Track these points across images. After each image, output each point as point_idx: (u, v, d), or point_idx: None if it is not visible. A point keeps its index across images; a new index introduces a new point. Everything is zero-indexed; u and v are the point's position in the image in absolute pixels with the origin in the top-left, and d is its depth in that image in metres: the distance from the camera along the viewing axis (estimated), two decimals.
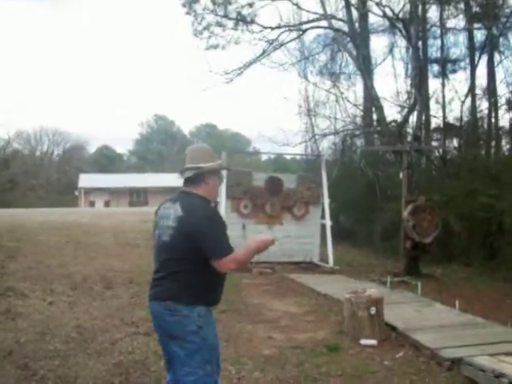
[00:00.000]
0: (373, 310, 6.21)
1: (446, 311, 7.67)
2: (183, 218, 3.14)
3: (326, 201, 12.93)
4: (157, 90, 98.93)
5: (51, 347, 5.62)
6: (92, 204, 47.80)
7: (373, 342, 6.06)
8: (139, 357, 5.43)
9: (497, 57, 17.44)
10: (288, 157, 31.92)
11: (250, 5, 15.05)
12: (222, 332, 6.06)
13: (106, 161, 60.83)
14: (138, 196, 50.53)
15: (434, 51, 18.98)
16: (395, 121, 14.15)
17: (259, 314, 7.55)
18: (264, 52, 15.28)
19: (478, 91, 17.71)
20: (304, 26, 15.60)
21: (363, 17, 16.88)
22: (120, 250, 12.56)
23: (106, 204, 48.11)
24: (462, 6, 16.77)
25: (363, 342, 6.06)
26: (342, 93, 19.65)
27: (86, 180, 47.94)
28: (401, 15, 14.44)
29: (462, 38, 20.66)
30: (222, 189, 12.00)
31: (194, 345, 3.14)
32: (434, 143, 18.50)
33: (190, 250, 3.12)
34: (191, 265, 3.14)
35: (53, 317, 6.82)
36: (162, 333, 3.27)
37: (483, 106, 17.75)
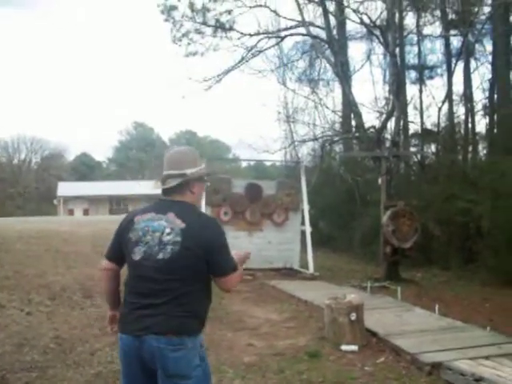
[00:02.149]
0: (353, 316, 6.22)
1: (426, 315, 7.71)
2: (190, 232, 2.67)
3: (306, 207, 12.95)
4: (136, 97, 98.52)
5: (29, 358, 5.54)
6: (71, 212, 47.42)
7: (354, 347, 6.07)
8: (119, 367, 5.36)
9: (473, 63, 17.71)
10: (268, 163, 31.99)
11: (229, 12, 15.09)
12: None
13: (85, 169, 60.41)
14: (117, 204, 50.18)
15: (411, 58, 19.22)
16: (374, 127, 14.26)
17: (240, 322, 7.52)
18: (243, 59, 15.34)
19: (455, 97, 17.95)
20: (282, 33, 15.69)
21: (341, 24, 17.01)
22: (100, 259, 12.36)
23: (85, 212, 47.76)
24: (438, 13, 17.01)
25: (344, 347, 6.07)
26: (320, 99, 19.83)
27: (65, 188, 47.53)
28: (378, 22, 14.63)
29: (439, 44, 21.00)
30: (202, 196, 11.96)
31: (196, 380, 2.69)
32: (412, 149, 18.65)
33: (197, 268, 2.69)
34: (197, 284, 2.73)
35: (30, 327, 6.72)
36: (162, 372, 2.66)
37: (460, 111, 18.00)
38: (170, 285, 2.65)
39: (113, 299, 3.01)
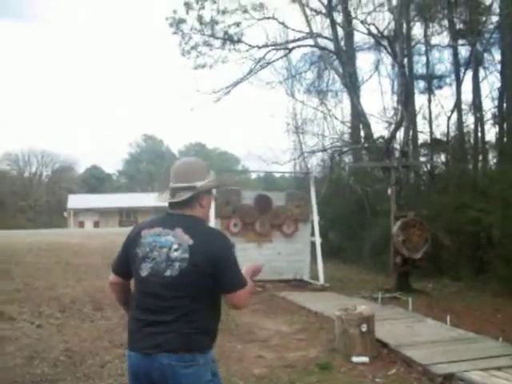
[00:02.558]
0: (364, 327, 6.18)
1: (438, 326, 7.66)
2: (198, 248, 2.59)
3: (316, 218, 12.92)
4: (146, 110, 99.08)
5: (39, 371, 5.54)
6: (81, 225, 47.58)
7: (364, 359, 6.03)
8: None
9: (481, 72, 17.67)
10: (277, 175, 32.02)
11: (237, 24, 15.19)
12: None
13: (95, 181, 60.70)
14: (127, 216, 50.31)
15: (419, 68, 19.20)
16: (383, 137, 14.24)
17: (250, 333, 7.50)
18: (251, 71, 15.41)
19: (464, 106, 17.89)
20: (290, 45, 15.75)
21: (349, 35, 17.03)
22: (109, 271, 12.44)
23: (96, 224, 47.90)
24: (445, 23, 17.00)
25: (355, 359, 6.03)
26: (329, 110, 19.86)
27: (75, 201, 47.77)
28: (386, 33, 14.66)
29: (447, 54, 20.90)
30: (211, 208, 11.98)
31: None
32: (422, 158, 18.60)
33: (205, 285, 2.61)
34: (206, 301, 2.65)
35: (41, 340, 6.74)
36: None
37: (469, 120, 17.94)
38: (178, 302, 2.58)
39: (128, 306, 2.92)
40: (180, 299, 2.58)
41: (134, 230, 2.83)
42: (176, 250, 2.61)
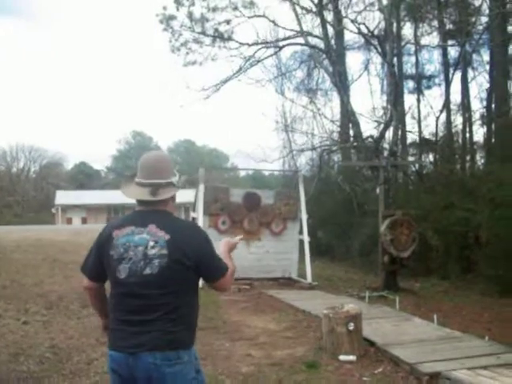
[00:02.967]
0: (351, 326, 6.18)
1: (425, 325, 7.68)
2: (176, 243, 2.55)
3: (304, 216, 12.93)
4: (135, 106, 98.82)
5: (25, 368, 5.49)
6: (69, 221, 47.34)
7: (352, 357, 6.03)
8: None
9: (470, 73, 17.80)
10: (266, 173, 32.03)
11: (227, 22, 15.19)
12: (201, 350, 5.97)
13: (84, 177, 60.38)
14: (115, 212, 50.05)
15: (408, 68, 19.35)
16: (372, 136, 14.28)
17: (238, 331, 7.48)
18: (241, 68, 15.43)
19: (453, 106, 18.03)
20: (281, 43, 15.79)
21: (339, 34, 17.08)
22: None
23: (84, 221, 47.66)
24: (435, 23, 17.10)
25: (342, 357, 6.03)
26: (318, 109, 19.92)
27: (63, 197, 47.50)
28: (376, 32, 14.71)
29: (436, 54, 21.03)
30: (200, 205, 11.96)
31: None
32: (411, 158, 18.71)
33: (188, 279, 2.60)
34: (187, 296, 2.63)
35: (27, 337, 6.69)
36: None
37: (458, 121, 18.08)
38: (162, 299, 2.54)
39: (104, 312, 2.86)
40: (163, 296, 2.54)
41: (103, 233, 2.73)
42: (153, 247, 2.55)
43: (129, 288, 2.57)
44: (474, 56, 17.70)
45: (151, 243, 2.56)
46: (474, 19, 15.75)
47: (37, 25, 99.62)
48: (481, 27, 16.15)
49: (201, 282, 2.73)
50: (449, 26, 17.00)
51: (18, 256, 13.03)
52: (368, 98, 30.28)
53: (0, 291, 9.12)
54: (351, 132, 15.97)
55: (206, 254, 2.65)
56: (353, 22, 14.37)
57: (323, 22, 15.25)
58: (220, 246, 2.91)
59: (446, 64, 17.94)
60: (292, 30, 15.30)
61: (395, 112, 13.37)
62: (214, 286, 2.76)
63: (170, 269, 2.53)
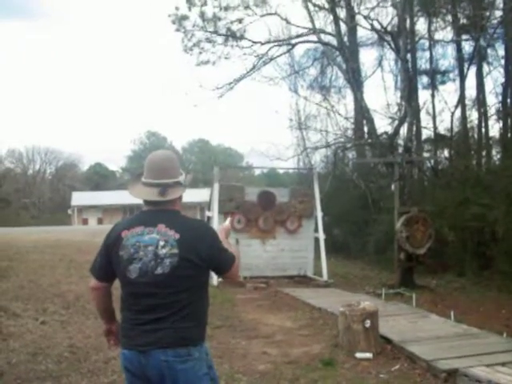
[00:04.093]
0: (368, 323, 6.17)
1: (441, 322, 7.64)
2: (186, 242, 2.57)
3: (319, 214, 12.92)
4: (149, 107, 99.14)
5: (43, 367, 5.54)
6: (85, 222, 47.70)
7: (368, 355, 6.02)
8: None
9: (485, 68, 17.61)
10: (281, 171, 31.99)
11: (240, 20, 15.17)
12: (217, 348, 6.03)
13: (99, 178, 60.74)
14: (131, 213, 50.28)
15: (422, 63, 19.14)
16: (386, 133, 14.22)
17: (254, 330, 7.50)
18: (254, 67, 15.42)
19: (468, 102, 17.83)
20: (293, 41, 15.76)
21: (352, 30, 16.98)
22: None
23: (100, 221, 47.96)
24: (449, 18, 16.93)
25: (358, 355, 6.02)
26: (332, 106, 19.80)
27: (79, 198, 47.85)
28: (389, 28, 14.64)
29: (451, 49, 20.91)
30: (215, 204, 11.99)
31: None
32: (426, 154, 18.55)
33: (199, 277, 2.64)
34: (198, 293, 2.66)
35: (45, 336, 6.74)
36: None
37: (473, 116, 17.87)
38: (174, 297, 2.57)
39: (108, 315, 2.92)
40: (174, 295, 2.57)
41: (111, 233, 2.74)
42: (163, 246, 2.57)
43: (140, 288, 2.59)
44: (489, 50, 17.50)
45: (161, 243, 2.58)
46: (488, 13, 15.58)
47: (50, 25, 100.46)
48: (495, 21, 15.98)
49: (216, 280, 2.76)
50: (463, 21, 16.83)
51: (35, 257, 13.14)
52: (382, 94, 30.28)
53: (18, 291, 9.20)
54: (365, 129, 15.90)
55: (217, 249, 2.68)
56: (366, 18, 14.31)
57: (336, 19, 15.21)
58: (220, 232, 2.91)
59: (460, 59, 17.77)
60: (304, 27, 15.30)
61: (409, 108, 13.30)
62: (225, 276, 2.82)
63: (181, 267, 2.55)
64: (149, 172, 2.74)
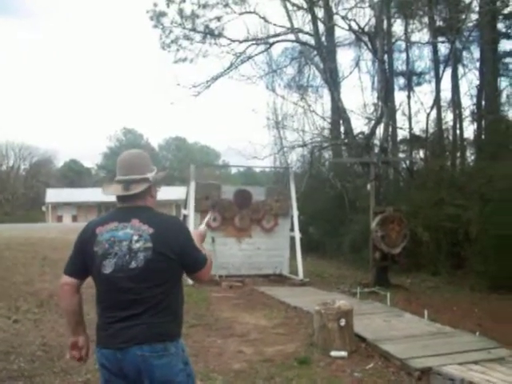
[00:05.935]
0: (342, 322, 6.20)
1: (415, 321, 7.71)
2: (159, 237, 2.59)
3: (295, 213, 12.94)
4: (125, 104, 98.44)
5: (16, 367, 5.47)
6: (60, 219, 47.22)
7: (343, 353, 6.05)
8: None
9: (460, 70, 17.85)
10: (257, 169, 32.00)
11: (218, 18, 15.11)
12: (192, 347, 5.99)
13: (74, 175, 60.16)
14: (106, 210, 49.79)
15: (399, 64, 19.36)
16: (362, 133, 14.30)
17: (229, 328, 7.48)
18: (232, 65, 15.36)
19: (443, 103, 18.08)
20: (271, 40, 15.72)
21: (329, 30, 17.05)
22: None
23: (74, 219, 47.53)
24: (426, 20, 17.11)
25: (333, 353, 6.04)
26: (309, 105, 19.87)
27: (54, 195, 47.35)
28: (366, 29, 14.71)
29: (427, 51, 21.11)
30: (191, 202, 11.95)
31: None
32: (401, 155, 18.75)
33: (173, 271, 2.64)
34: (173, 288, 2.67)
35: (18, 335, 6.65)
36: (148, 382, 2.58)
37: (448, 117, 18.13)
38: (148, 292, 2.58)
39: (75, 320, 2.82)
40: (149, 289, 2.58)
41: (86, 230, 2.76)
42: (137, 241, 2.59)
43: (115, 283, 2.60)
44: (464, 53, 17.78)
45: (135, 237, 2.60)
46: (464, 16, 15.77)
47: (28, 22, 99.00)
48: (471, 24, 16.21)
49: (190, 281, 2.74)
50: (439, 23, 17.02)
51: (8, 254, 12.98)
52: (359, 94, 30.42)
53: None
54: (342, 129, 16.00)
55: (189, 246, 2.70)
56: (343, 18, 14.34)
57: (314, 19, 15.24)
58: (196, 235, 2.92)
59: (436, 61, 17.99)
60: (283, 26, 15.28)
61: (386, 109, 13.39)
62: (195, 276, 2.79)
63: (155, 261, 2.57)
64: (118, 169, 2.78)
